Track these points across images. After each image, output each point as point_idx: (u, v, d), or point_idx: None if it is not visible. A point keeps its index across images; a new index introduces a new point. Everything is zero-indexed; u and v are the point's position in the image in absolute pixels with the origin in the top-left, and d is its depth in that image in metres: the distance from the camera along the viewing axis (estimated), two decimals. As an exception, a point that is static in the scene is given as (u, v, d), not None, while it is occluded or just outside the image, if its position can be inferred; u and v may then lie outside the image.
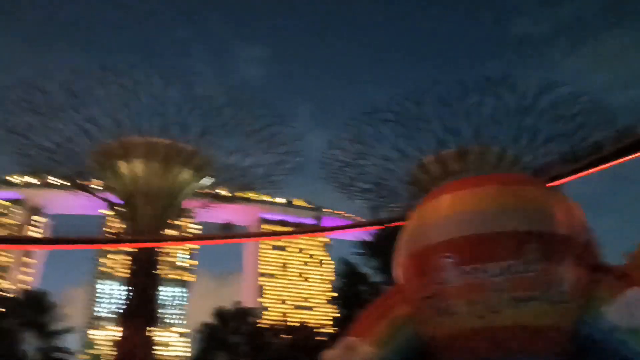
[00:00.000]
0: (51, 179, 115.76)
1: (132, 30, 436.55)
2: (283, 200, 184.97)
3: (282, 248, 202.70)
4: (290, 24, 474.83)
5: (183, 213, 63.58)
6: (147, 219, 55.26)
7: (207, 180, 60.61)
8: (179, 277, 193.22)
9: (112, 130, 54.22)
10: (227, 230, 64.29)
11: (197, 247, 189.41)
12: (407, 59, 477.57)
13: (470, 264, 7.15)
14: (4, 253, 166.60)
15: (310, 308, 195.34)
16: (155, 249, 57.69)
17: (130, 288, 54.88)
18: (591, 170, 48.27)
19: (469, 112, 54.16)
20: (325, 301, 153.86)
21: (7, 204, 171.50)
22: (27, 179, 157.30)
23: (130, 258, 58.44)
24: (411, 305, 8.01)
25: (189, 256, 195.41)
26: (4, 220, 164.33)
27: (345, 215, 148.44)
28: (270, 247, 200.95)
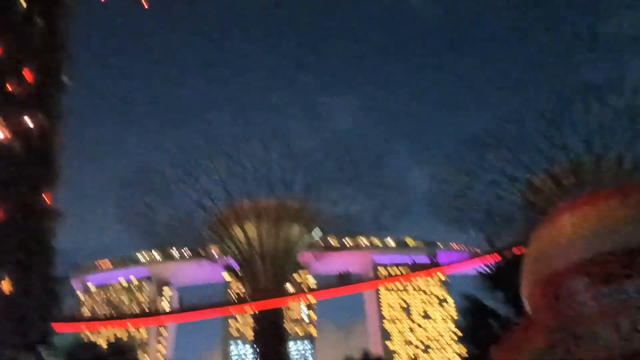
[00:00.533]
0: (174, 252, 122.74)
1: (231, 103, 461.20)
2: (394, 242, 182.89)
3: (401, 290, 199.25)
4: (376, 69, 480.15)
5: (299, 267, 64.65)
6: (266, 278, 56.84)
7: (317, 233, 61.59)
8: (303, 332, 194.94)
9: (223, 198, 57.04)
10: (344, 279, 64.39)
11: (315, 301, 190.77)
12: (499, 80, 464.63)
13: (607, 284, 6.72)
14: (141, 329, 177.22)
15: (439, 349, 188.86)
16: (278, 308, 58.89)
17: (259, 347, 56.13)
18: None
19: (575, 123, 51.45)
20: (453, 340, 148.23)
21: (137, 281, 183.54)
22: (153, 255, 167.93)
23: (255, 319, 60.02)
24: (548, 336, 7.60)
25: (310, 310, 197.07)
26: (137, 296, 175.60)
27: (460, 248, 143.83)
28: (390, 290, 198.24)
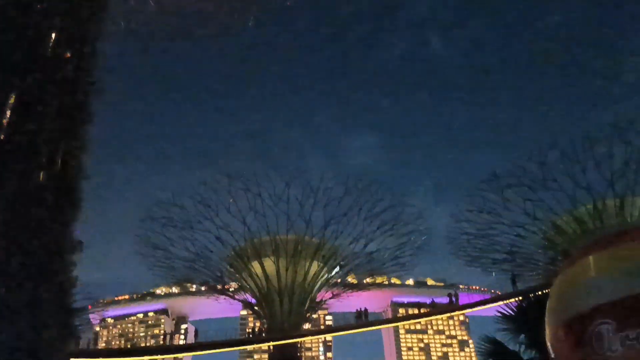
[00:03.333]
0: (192, 287, 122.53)
1: (251, 139, 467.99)
2: (414, 282, 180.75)
3: (421, 332, 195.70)
4: (393, 106, 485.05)
5: (317, 306, 64.06)
6: (283, 315, 56.38)
7: (336, 270, 61.22)
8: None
9: (242, 233, 57.21)
10: (362, 317, 63.50)
11: (331, 339, 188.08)
12: (522, 118, 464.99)
13: (634, 329, 6.48)
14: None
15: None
16: (294, 345, 58.20)
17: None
18: None
19: (599, 163, 50.92)
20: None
21: (155, 315, 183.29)
22: (171, 289, 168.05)
23: (270, 356, 59.31)
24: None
25: (327, 349, 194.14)
26: (154, 330, 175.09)
27: (481, 289, 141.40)
28: (409, 332, 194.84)
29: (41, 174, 11.86)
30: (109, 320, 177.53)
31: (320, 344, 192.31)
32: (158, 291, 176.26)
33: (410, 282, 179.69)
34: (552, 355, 7.85)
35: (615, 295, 6.76)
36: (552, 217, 54.39)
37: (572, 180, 51.62)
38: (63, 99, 12.77)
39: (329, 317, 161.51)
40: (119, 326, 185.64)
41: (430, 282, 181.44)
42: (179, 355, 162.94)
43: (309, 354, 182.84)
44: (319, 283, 59.79)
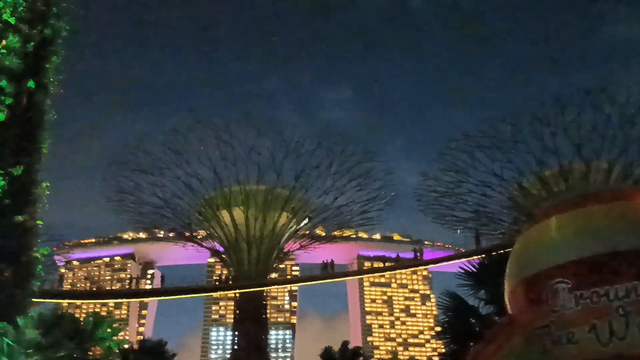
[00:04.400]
0: (160, 233, 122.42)
1: (225, 87, 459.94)
2: (380, 236, 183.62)
3: (385, 285, 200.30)
4: (370, 61, 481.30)
5: (285, 256, 64.77)
6: (251, 264, 56.92)
7: (305, 222, 61.68)
8: (285, 320, 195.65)
9: (212, 182, 56.87)
10: (328, 269, 64.57)
11: (297, 289, 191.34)
12: (496, 80, 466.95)
13: (589, 288, 6.70)
14: (122, 307, 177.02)
15: (418, 345, 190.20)
16: (260, 294, 59.00)
17: (239, 333, 56.28)
18: None
19: (568, 128, 51.70)
20: (433, 336, 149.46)
21: (122, 259, 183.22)
22: (138, 234, 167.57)
23: (237, 304, 60.15)
24: (526, 337, 7.58)
25: (293, 299, 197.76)
26: (120, 275, 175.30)
27: (446, 246, 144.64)
28: (373, 284, 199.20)
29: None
30: (75, 262, 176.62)
31: (286, 294, 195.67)
32: (125, 236, 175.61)
33: (377, 236, 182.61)
34: (510, 311, 8.12)
35: (572, 256, 6.96)
36: (518, 178, 55.36)
37: (541, 143, 52.41)
38: (30, 33, 12.28)
39: (295, 268, 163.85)
40: (84, 269, 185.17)
41: (396, 237, 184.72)
42: (145, 300, 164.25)
43: (274, 302, 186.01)
44: (287, 234, 60.26)
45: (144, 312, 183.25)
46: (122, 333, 17.89)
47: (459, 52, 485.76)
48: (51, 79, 12.95)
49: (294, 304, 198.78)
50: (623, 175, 51.44)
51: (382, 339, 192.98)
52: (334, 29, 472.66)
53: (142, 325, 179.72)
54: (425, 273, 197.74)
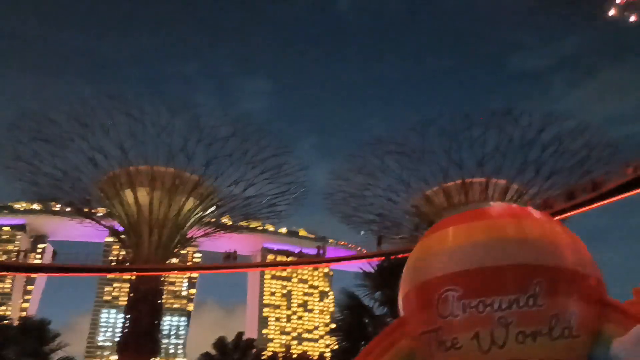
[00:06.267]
0: (56, 207, 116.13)
1: (140, 63, 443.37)
2: (286, 230, 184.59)
3: (285, 279, 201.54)
4: (292, 57, 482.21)
5: (187, 242, 63.39)
6: (151, 248, 55.23)
7: (212, 210, 60.71)
8: (181, 307, 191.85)
9: (118, 159, 54.65)
10: (230, 259, 63.88)
11: (197, 276, 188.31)
12: (412, 93, 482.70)
13: (476, 298, 7.08)
14: (5, 280, 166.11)
15: (312, 340, 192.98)
16: (158, 278, 57.45)
17: (131, 317, 54.45)
18: (593, 206, 48.16)
19: (473, 144, 54.50)
20: (327, 332, 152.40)
21: (11, 230, 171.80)
22: (32, 205, 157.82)
23: (132, 286, 58.17)
24: (414, 339, 7.90)
25: (191, 286, 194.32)
26: (7, 246, 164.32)
27: (349, 246, 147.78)
28: (274, 277, 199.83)
29: None
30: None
31: (185, 280, 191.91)
32: (17, 205, 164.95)
33: (283, 230, 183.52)
34: (402, 314, 8.41)
35: (464, 266, 7.33)
36: (423, 187, 57.58)
37: (447, 156, 54.84)
38: None
39: (197, 255, 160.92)
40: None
41: (302, 232, 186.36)
42: (33, 275, 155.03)
43: (172, 288, 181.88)
44: (192, 220, 59.03)
45: (29, 287, 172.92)
46: (2, 308, 16.79)
47: (380, 58, 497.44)
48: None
49: (192, 291, 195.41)
50: (519, 193, 54.89)
51: (278, 332, 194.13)
52: (260, 20, 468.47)
53: (27, 301, 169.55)
54: (326, 270, 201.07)
